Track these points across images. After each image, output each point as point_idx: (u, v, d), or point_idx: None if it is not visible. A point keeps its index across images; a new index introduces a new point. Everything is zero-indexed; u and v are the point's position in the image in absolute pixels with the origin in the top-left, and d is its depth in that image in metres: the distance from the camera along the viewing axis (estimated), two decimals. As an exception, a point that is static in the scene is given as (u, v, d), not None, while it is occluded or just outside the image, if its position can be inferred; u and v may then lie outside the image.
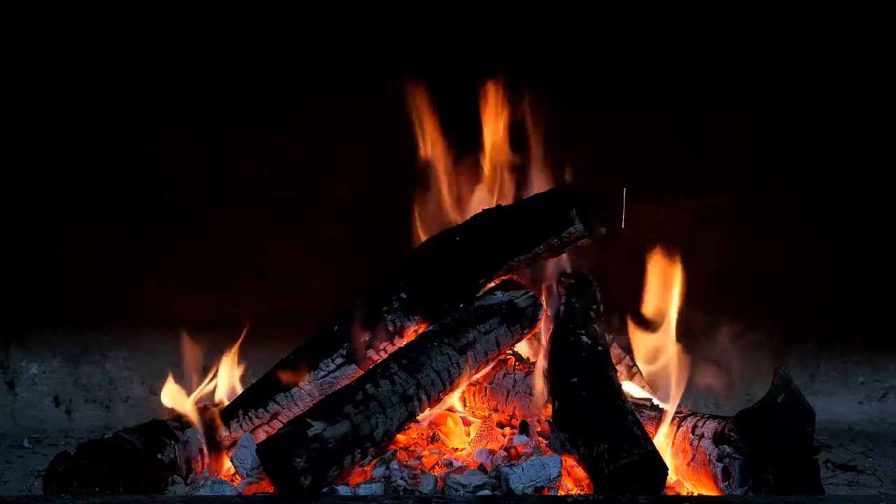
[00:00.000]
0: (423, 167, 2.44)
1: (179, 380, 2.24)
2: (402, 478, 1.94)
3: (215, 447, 2.14)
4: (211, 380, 2.32)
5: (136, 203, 2.95)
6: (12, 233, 2.91)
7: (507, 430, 2.20)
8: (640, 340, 2.36)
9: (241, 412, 2.16)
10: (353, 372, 2.14)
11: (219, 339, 2.91)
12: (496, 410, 2.25)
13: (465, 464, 2.03)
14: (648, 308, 2.32)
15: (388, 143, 2.76)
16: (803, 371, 2.97)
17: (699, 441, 1.96)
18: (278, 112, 2.90)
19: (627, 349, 2.40)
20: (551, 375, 2.12)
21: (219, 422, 2.15)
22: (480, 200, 2.37)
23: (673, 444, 2.04)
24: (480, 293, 2.21)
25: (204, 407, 2.21)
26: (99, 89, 2.86)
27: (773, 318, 2.90)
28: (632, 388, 2.32)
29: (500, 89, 2.43)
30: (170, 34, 2.83)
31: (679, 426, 2.05)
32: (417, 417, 2.06)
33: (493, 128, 2.43)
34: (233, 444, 2.11)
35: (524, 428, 2.16)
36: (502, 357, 2.24)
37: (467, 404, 2.30)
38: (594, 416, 1.92)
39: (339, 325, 2.19)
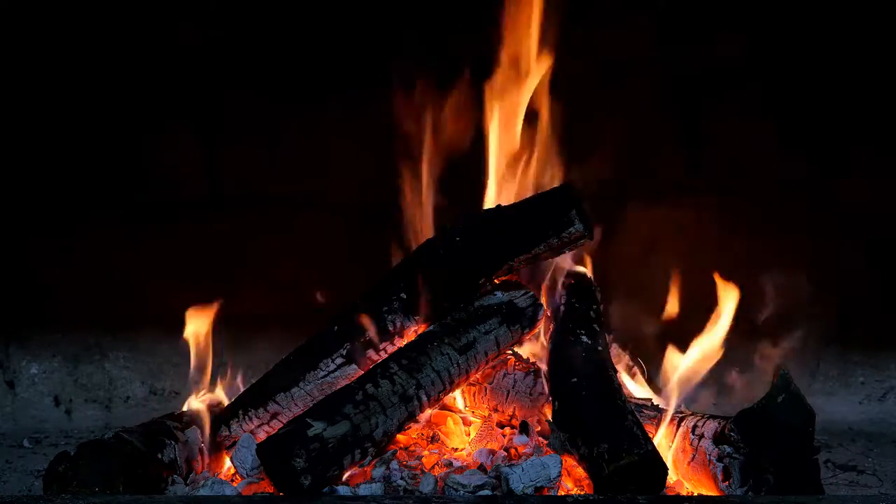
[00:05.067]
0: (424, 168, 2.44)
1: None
2: (402, 478, 1.94)
3: (215, 447, 2.14)
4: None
5: (137, 203, 2.95)
6: (12, 233, 2.91)
7: (507, 430, 2.20)
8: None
9: (241, 412, 2.16)
10: (353, 372, 2.14)
11: (218, 338, 2.92)
12: (496, 410, 2.25)
13: (465, 464, 2.03)
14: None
15: (388, 143, 2.77)
16: (803, 371, 2.97)
17: (699, 441, 1.96)
18: (278, 112, 2.90)
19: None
20: (551, 375, 2.12)
21: (219, 422, 2.16)
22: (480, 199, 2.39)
23: (673, 444, 2.04)
24: (480, 293, 2.21)
25: (204, 406, 2.21)
26: (99, 90, 2.86)
27: (773, 318, 2.90)
28: (632, 388, 2.32)
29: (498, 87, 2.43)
30: (171, 35, 2.83)
31: (679, 426, 2.05)
32: (417, 417, 2.06)
33: (489, 125, 2.43)
34: (233, 444, 2.11)
35: (524, 428, 2.16)
36: (502, 357, 2.24)
37: (467, 404, 2.30)
38: (594, 416, 1.92)
39: (339, 325, 2.19)
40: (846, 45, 2.84)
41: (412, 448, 2.09)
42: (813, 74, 2.87)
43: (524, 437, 2.14)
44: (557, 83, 2.42)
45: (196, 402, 2.21)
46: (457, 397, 2.27)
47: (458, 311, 2.16)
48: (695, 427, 2.00)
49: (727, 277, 2.30)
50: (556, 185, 2.29)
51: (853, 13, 2.80)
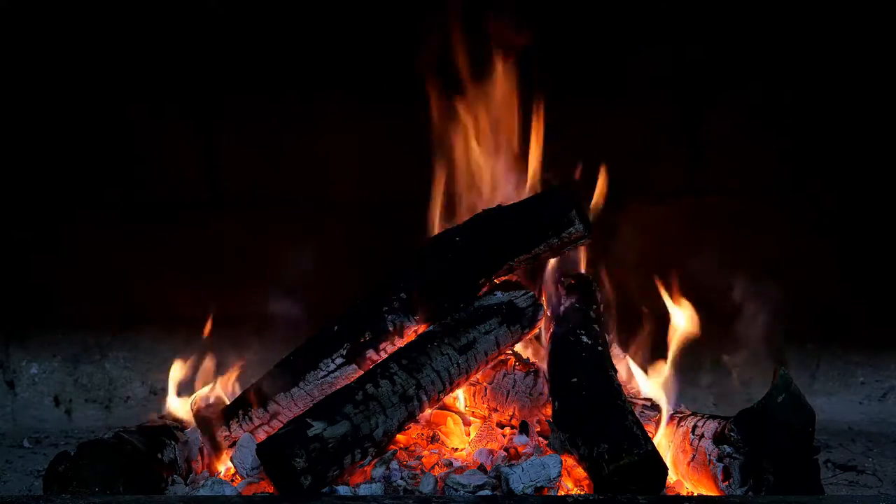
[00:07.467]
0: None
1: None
2: (402, 478, 1.94)
3: (215, 447, 2.14)
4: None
5: (137, 202, 2.95)
6: (12, 232, 2.91)
7: (507, 430, 2.20)
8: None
9: (241, 412, 2.16)
10: (353, 372, 2.14)
11: (219, 338, 2.92)
12: (496, 410, 2.25)
13: (465, 464, 2.03)
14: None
15: (388, 143, 2.77)
16: (803, 371, 2.97)
17: (699, 441, 1.96)
18: (279, 112, 2.90)
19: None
20: (551, 375, 2.12)
21: (219, 422, 2.16)
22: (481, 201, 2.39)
23: (673, 444, 2.04)
24: (480, 293, 2.21)
25: (204, 407, 2.21)
26: (99, 89, 2.86)
27: (773, 318, 2.90)
28: (632, 388, 2.32)
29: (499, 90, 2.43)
30: (171, 33, 2.83)
31: (679, 426, 2.05)
32: (417, 417, 2.06)
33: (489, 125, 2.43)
34: (233, 444, 2.11)
35: (524, 428, 2.16)
36: (502, 357, 2.24)
37: (467, 404, 2.30)
38: (594, 416, 1.92)
39: (339, 325, 2.19)
40: (843, 46, 2.83)
41: (412, 448, 2.09)
42: (812, 75, 2.87)
43: (524, 437, 2.14)
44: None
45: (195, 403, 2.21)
46: (457, 397, 2.27)
47: (458, 311, 2.16)
48: (695, 427, 2.00)
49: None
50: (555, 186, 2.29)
51: (850, 17, 2.80)
